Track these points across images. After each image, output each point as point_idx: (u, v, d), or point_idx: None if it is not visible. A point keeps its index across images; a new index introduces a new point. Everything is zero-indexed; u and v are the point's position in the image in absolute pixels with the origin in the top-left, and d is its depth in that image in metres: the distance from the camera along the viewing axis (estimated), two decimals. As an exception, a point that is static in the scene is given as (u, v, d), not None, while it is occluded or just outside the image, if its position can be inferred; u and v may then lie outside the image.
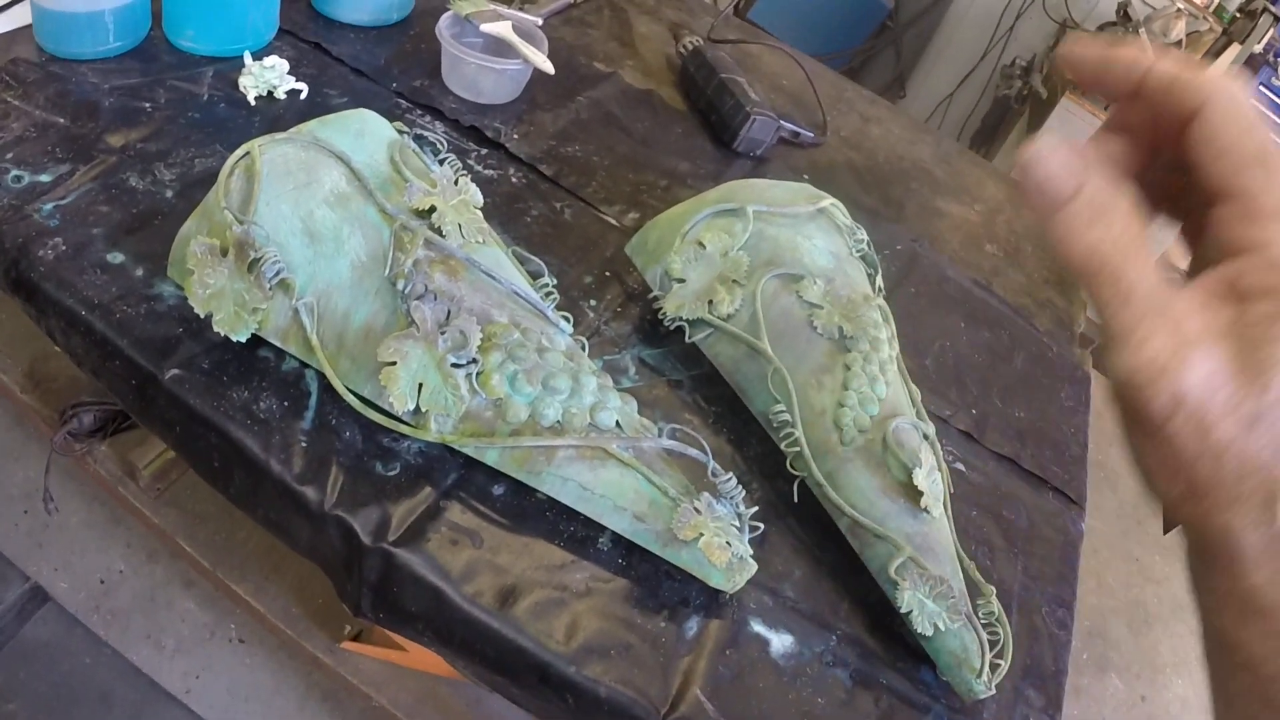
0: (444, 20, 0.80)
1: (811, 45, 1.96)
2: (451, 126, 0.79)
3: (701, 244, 0.65)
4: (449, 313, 0.53)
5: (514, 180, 0.76)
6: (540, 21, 0.88)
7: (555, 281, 0.61)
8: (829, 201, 0.70)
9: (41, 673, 0.96)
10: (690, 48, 0.96)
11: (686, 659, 0.50)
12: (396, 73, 0.81)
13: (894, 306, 0.69)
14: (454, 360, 0.52)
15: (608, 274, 0.71)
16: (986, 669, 0.52)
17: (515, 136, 0.80)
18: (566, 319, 0.59)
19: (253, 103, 0.73)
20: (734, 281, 0.63)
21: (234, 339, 0.54)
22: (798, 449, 0.59)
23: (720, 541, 0.50)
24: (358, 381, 0.54)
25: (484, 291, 0.55)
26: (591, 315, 0.67)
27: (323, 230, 0.55)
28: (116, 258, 0.59)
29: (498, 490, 0.54)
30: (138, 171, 0.65)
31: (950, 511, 0.60)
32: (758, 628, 0.53)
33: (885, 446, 0.58)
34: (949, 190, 1.03)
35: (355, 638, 0.84)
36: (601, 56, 0.96)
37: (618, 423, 0.53)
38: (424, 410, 0.52)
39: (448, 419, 0.52)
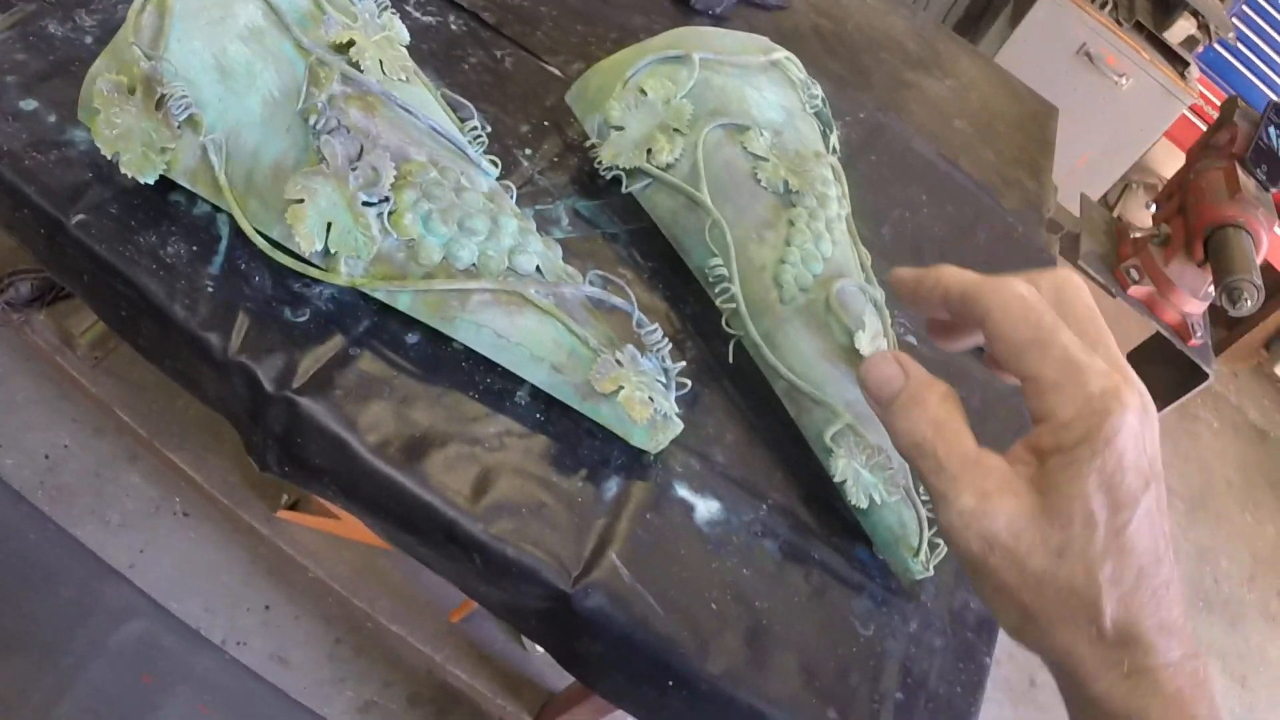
0: None
1: None
2: (386, -32, 0.73)
3: (643, 91, 0.61)
4: (362, 149, 0.49)
5: (453, 27, 0.71)
6: None
7: (490, 129, 0.58)
8: (783, 54, 0.66)
9: (-16, 551, 0.95)
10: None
11: (603, 521, 0.49)
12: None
13: (854, 174, 0.65)
14: (365, 198, 0.49)
15: (546, 124, 0.67)
16: (925, 549, 0.51)
17: (455, -19, 0.74)
18: (495, 163, 0.55)
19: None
20: (675, 130, 0.60)
21: (142, 181, 0.50)
22: (734, 305, 0.56)
23: (642, 396, 0.48)
24: (267, 223, 0.51)
25: (402, 129, 0.51)
26: (525, 164, 0.63)
27: (235, 66, 0.51)
28: (29, 104, 0.55)
29: (412, 339, 0.52)
30: (58, 19, 0.60)
31: None
32: (683, 492, 0.52)
33: (828, 308, 0.55)
34: (920, 64, 0.99)
35: (292, 507, 0.83)
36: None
37: (539, 268, 0.50)
38: (333, 252, 0.49)
39: (358, 261, 0.49)
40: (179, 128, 0.50)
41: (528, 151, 0.64)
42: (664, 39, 0.64)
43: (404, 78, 0.54)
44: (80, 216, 0.51)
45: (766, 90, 0.63)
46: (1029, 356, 0.28)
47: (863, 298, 0.57)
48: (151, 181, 0.51)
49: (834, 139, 0.68)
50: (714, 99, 0.61)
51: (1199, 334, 1.10)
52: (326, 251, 0.49)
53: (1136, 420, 0.27)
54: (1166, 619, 0.28)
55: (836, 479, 0.51)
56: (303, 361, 0.49)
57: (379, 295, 0.50)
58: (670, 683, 0.47)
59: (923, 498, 0.52)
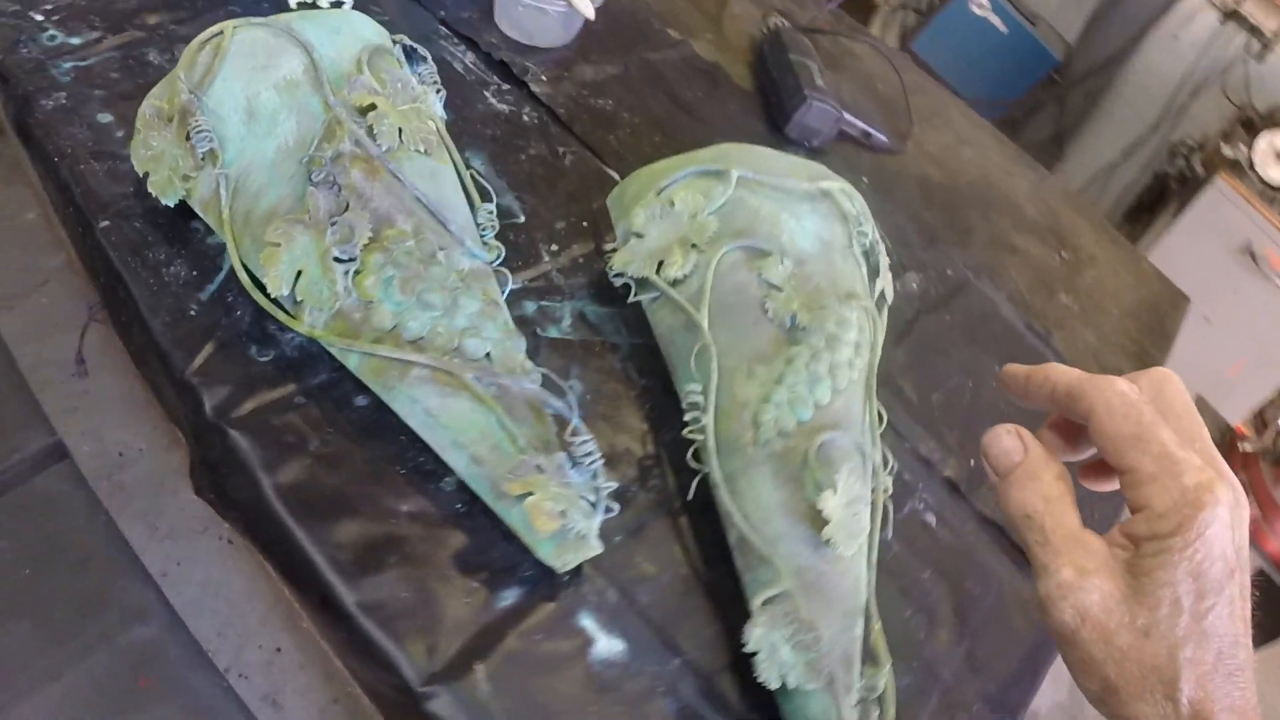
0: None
1: (971, 86, 1.83)
2: (482, 59, 0.76)
3: (672, 202, 0.59)
4: (348, 206, 0.50)
5: (525, 118, 0.73)
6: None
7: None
8: (837, 185, 0.62)
9: (36, 522, 1.01)
10: (773, 27, 0.90)
11: (484, 630, 0.45)
12: (449, 1, 0.80)
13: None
14: (337, 254, 0.49)
15: (584, 225, 0.66)
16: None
17: (544, 78, 0.76)
18: (496, 247, 0.55)
19: (294, 6, 0.73)
20: (693, 246, 0.57)
21: (164, 202, 0.54)
22: (702, 438, 0.52)
23: (553, 508, 0.44)
24: (255, 261, 0.52)
25: (397, 196, 0.52)
26: (547, 259, 0.62)
27: (262, 111, 0.54)
28: (105, 118, 0.60)
29: (360, 402, 0.51)
30: (159, 48, 0.66)
31: (874, 557, 0.51)
32: (586, 622, 0.47)
33: (806, 460, 0.50)
34: (1034, 229, 0.92)
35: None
36: (678, 23, 0.92)
37: (489, 355, 0.48)
38: (299, 300, 0.49)
39: (320, 314, 0.49)
40: (201, 159, 0.52)
41: (554, 248, 0.63)
42: (711, 151, 0.63)
43: (423, 149, 0.55)
44: (106, 222, 0.54)
45: (806, 219, 0.60)
46: (1129, 450, 0.31)
47: (854, 457, 0.51)
48: (172, 204, 0.54)
49: (885, 285, 0.63)
50: (743, 219, 0.58)
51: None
52: (296, 300, 0.50)
53: (1227, 513, 0.29)
54: (1239, 702, 0.29)
55: (749, 648, 0.44)
56: (249, 398, 0.49)
57: (334, 351, 0.50)
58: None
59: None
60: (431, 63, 0.62)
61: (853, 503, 0.49)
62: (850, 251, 0.61)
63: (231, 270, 0.54)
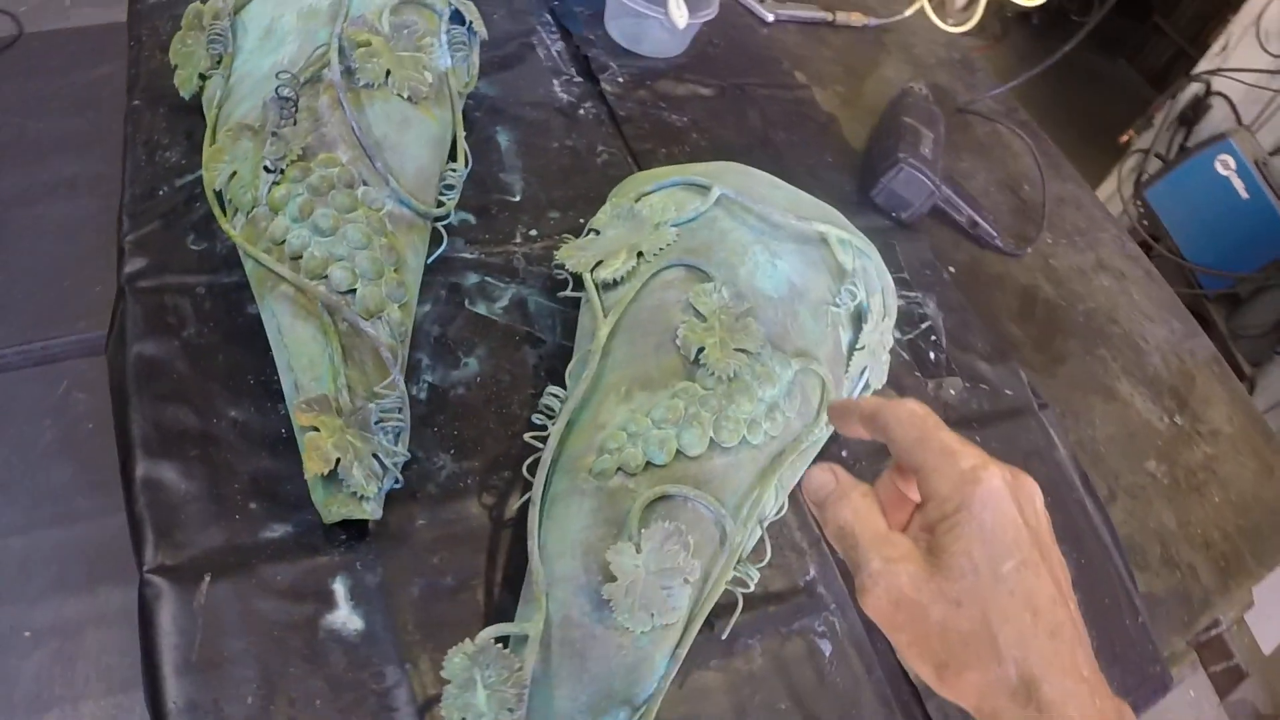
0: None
1: (1197, 249, 1.62)
2: (569, 51, 0.77)
3: (640, 206, 0.55)
4: (294, 122, 0.51)
5: (580, 111, 0.72)
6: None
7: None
8: (841, 233, 0.55)
9: None
10: (909, 90, 0.83)
11: (233, 550, 0.43)
12: (571, -7, 0.81)
13: None
14: (268, 164, 0.50)
15: (581, 222, 0.64)
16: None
17: (620, 80, 0.75)
18: (446, 207, 0.54)
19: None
20: (640, 254, 0.53)
21: (182, 94, 0.58)
22: (541, 448, 0.47)
23: (330, 452, 0.42)
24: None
25: (349, 129, 0.52)
26: (519, 240, 0.61)
27: (277, 31, 0.57)
28: None
29: (251, 310, 0.52)
30: None
31: (682, 651, 0.42)
32: (337, 588, 0.44)
33: (632, 511, 0.43)
34: (1152, 383, 0.77)
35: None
36: (809, 70, 0.87)
37: (354, 291, 0.47)
38: (229, 199, 0.51)
39: (240, 217, 0.51)
40: (216, 63, 0.56)
41: (533, 233, 0.62)
42: (710, 166, 0.59)
43: (406, 95, 0.55)
44: (137, 101, 0.61)
45: (784, 258, 0.53)
46: (915, 450, 0.34)
47: (701, 529, 0.44)
48: (186, 98, 0.58)
49: (869, 363, 0.55)
50: (706, 238, 0.53)
51: None
52: (227, 199, 0.51)
53: (1003, 485, 0.32)
54: (1067, 661, 0.31)
55: (444, 673, 0.39)
56: (160, 274, 0.52)
57: (241, 255, 0.51)
58: None
59: None
60: (473, 29, 0.62)
61: (663, 573, 0.42)
62: (827, 309, 0.54)
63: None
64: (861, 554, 0.33)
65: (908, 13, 0.95)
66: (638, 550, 0.42)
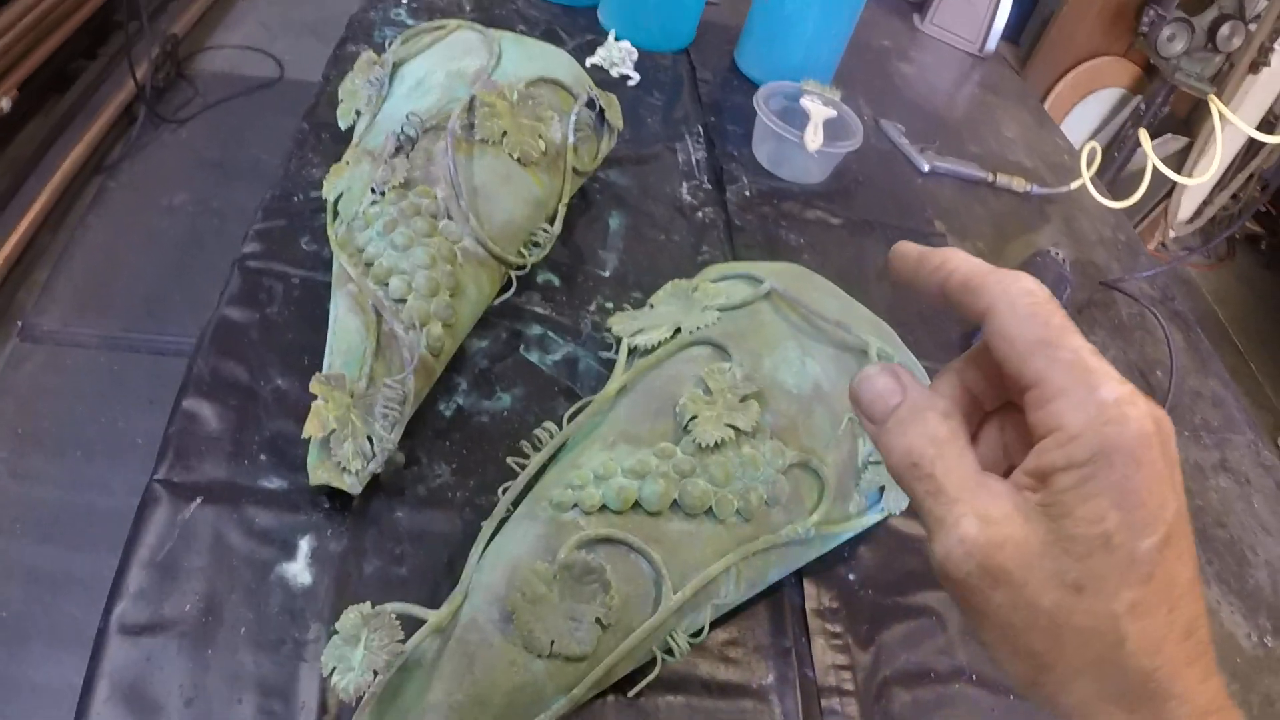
0: (766, 88, 0.83)
1: None
2: (706, 159, 0.82)
3: (696, 289, 0.58)
4: (406, 156, 0.59)
5: (699, 215, 0.76)
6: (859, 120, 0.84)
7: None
8: (886, 349, 0.55)
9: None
10: (1043, 251, 0.80)
11: (229, 487, 0.48)
12: (731, 112, 0.87)
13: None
14: (374, 186, 0.58)
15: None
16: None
17: (746, 194, 0.79)
18: (523, 257, 0.60)
19: (587, 65, 0.87)
20: (678, 330, 0.55)
21: (340, 124, 0.69)
22: (519, 472, 0.49)
23: (327, 420, 0.47)
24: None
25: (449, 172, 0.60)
26: (592, 308, 0.65)
27: (427, 84, 0.66)
28: None
29: (329, 306, 0.58)
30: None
31: (579, 691, 0.42)
32: (302, 544, 0.47)
33: (570, 545, 0.44)
34: (1246, 595, 0.66)
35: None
36: (951, 221, 0.87)
37: (404, 300, 0.53)
38: (339, 209, 0.60)
39: (343, 225, 0.59)
40: (370, 101, 0.67)
41: (608, 305, 0.65)
42: (776, 265, 0.61)
43: (515, 155, 0.62)
44: (305, 125, 0.72)
45: (816, 359, 0.53)
46: (1034, 357, 0.24)
47: (636, 584, 0.44)
48: (343, 128, 0.69)
49: (880, 485, 0.53)
50: (744, 325, 0.55)
51: None
52: (338, 211, 0.60)
53: (1155, 430, 0.23)
54: (1202, 667, 0.24)
55: (336, 625, 0.40)
56: (265, 260, 0.61)
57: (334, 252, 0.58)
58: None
59: None
60: (604, 118, 0.69)
61: (574, 607, 0.43)
62: (848, 416, 0.53)
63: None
64: (946, 507, 0.25)
65: (1072, 185, 0.93)
66: (554, 576, 0.43)
